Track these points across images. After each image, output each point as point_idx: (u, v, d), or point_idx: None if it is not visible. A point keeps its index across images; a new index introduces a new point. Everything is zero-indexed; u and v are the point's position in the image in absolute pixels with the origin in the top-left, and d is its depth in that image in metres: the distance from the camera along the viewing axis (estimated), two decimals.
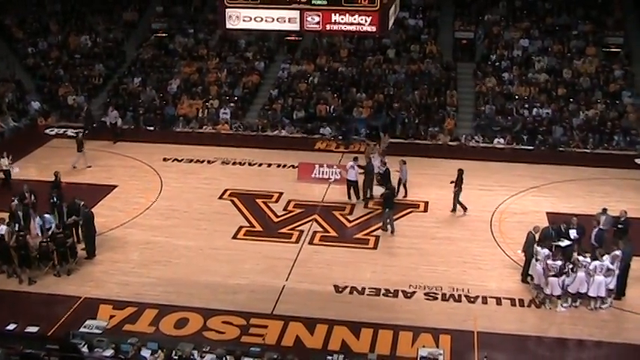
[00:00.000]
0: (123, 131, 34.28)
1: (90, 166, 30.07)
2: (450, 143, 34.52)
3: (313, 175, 29.09)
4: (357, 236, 24.32)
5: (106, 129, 34.22)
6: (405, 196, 26.89)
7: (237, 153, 32.45)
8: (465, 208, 25.73)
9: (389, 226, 24.27)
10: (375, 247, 23.57)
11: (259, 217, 25.67)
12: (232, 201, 27.22)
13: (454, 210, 25.74)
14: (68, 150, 32.06)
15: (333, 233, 24.60)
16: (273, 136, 35.80)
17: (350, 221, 25.51)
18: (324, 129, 36.09)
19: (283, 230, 24.66)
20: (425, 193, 27.65)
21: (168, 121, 37.44)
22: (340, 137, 35.28)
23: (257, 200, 27.16)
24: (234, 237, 24.18)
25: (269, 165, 31.26)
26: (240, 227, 24.84)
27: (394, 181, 26.43)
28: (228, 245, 23.56)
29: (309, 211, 26.21)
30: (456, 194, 25.62)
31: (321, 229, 24.84)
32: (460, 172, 25.63)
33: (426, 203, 27.01)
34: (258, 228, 24.89)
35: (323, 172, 29.07)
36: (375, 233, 24.37)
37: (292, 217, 25.84)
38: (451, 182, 25.75)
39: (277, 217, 25.90)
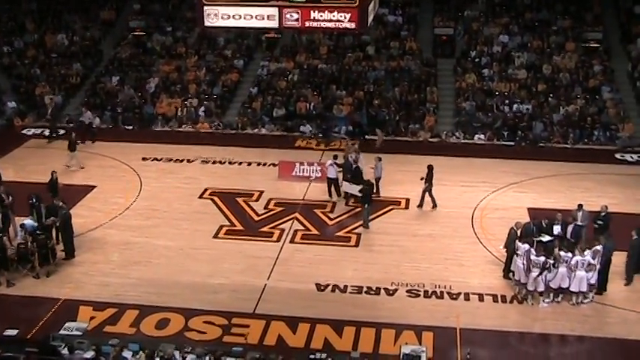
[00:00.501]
0: (97, 132, 34.12)
1: (83, 167, 30.04)
2: (431, 140, 34.55)
3: (294, 174, 29.03)
4: (339, 234, 24.33)
5: (83, 129, 34.30)
6: (377, 193, 26.69)
7: (217, 152, 32.38)
8: (435, 205, 25.82)
9: (369, 223, 24.44)
10: (356, 245, 23.53)
11: (240, 216, 25.57)
12: (212, 200, 27.16)
13: (420, 205, 25.80)
14: (45, 150, 32.02)
15: (314, 231, 24.53)
16: (253, 135, 35.74)
17: (331, 219, 25.51)
18: (304, 127, 36.05)
19: (264, 229, 24.61)
20: (406, 190, 27.55)
21: (147, 120, 37.33)
22: (320, 135, 35.33)
23: (237, 199, 27.06)
24: (215, 236, 24.10)
25: (249, 163, 31.22)
26: (221, 226, 24.76)
27: (365, 180, 26.38)
28: (208, 245, 23.48)
29: (290, 209, 26.16)
30: (426, 190, 25.75)
31: (302, 228, 24.79)
32: (430, 168, 25.67)
33: (407, 200, 26.96)
34: (239, 227, 24.80)
35: (303, 170, 29.01)
36: (356, 231, 24.34)
37: (273, 215, 25.76)
38: (421, 179, 25.81)
39: (258, 215, 25.80)
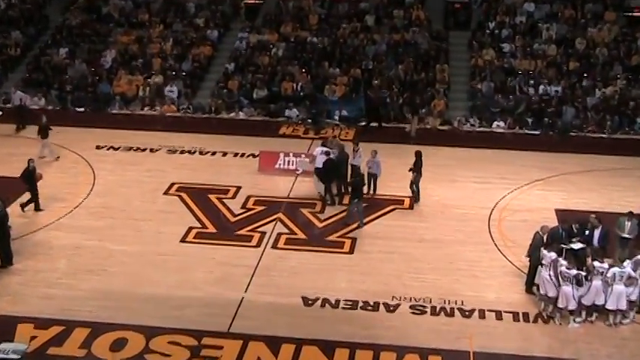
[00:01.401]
0: (30, 114, 33.80)
1: (58, 157, 30.36)
2: (440, 128, 34.87)
3: (277, 166, 29.35)
4: (330, 238, 24.47)
5: (16, 112, 34.23)
6: (372, 193, 27.15)
7: (186, 139, 32.63)
8: (417, 199, 26.43)
9: (359, 220, 24.90)
10: (351, 252, 23.71)
11: (213, 217, 25.79)
12: (180, 197, 27.33)
13: (417, 200, 26.35)
14: None
15: (301, 235, 24.72)
16: (229, 120, 36.17)
17: (321, 220, 25.68)
18: (290, 111, 36.35)
19: (241, 232, 24.80)
20: (414, 188, 27.35)
21: (103, 100, 37.50)
22: (309, 121, 35.59)
23: (210, 196, 27.31)
24: (183, 240, 24.25)
25: (224, 154, 31.52)
26: (190, 228, 24.90)
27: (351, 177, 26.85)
28: (175, 250, 23.60)
29: (272, 208, 26.38)
30: (415, 181, 26.26)
31: (286, 231, 24.95)
32: (418, 154, 26.19)
33: (411, 199, 27.06)
34: (212, 229, 24.97)
35: (289, 162, 29.34)
36: (351, 235, 24.54)
37: (252, 216, 25.94)
38: (410, 170, 26.33)
39: (234, 216, 25.98)
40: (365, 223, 25.11)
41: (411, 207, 26.67)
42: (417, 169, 26.24)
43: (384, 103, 35.68)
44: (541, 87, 36.44)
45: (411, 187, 26.48)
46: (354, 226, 25.01)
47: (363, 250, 23.89)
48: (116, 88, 37.74)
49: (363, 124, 34.55)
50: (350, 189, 25.65)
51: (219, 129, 34.37)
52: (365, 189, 26.58)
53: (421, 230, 25.09)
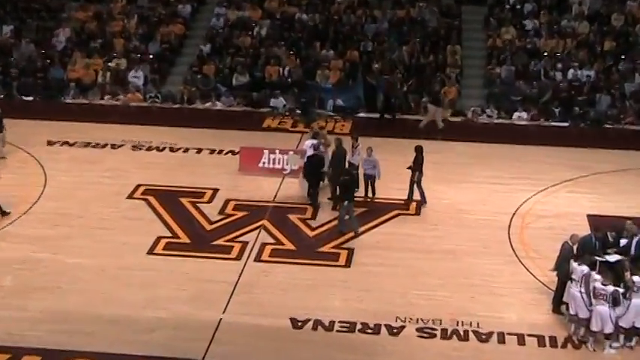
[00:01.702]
0: None
1: (4, 157, 30.37)
2: (452, 119, 35.00)
3: (261, 165, 29.60)
4: (323, 249, 24.57)
5: None
6: (371, 197, 27.53)
7: (154, 134, 32.78)
8: (411, 199, 26.81)
9: (353, 228, 25.20)
10: (347, 265, 23.82)
11: (185, 224, 25.92)
12: (147, 201, 27.43)
13: (423, 202, 26.81)
14: None
15: (289, 246, 24.82)
16: (204, 111, 36.43)
17: (313, 228, 25.84)
18: (276, 100, 36.50)
19: (219, 242, 24.90)
20: (416, 189, 27.61)
21: (55, 88, 37.56)
22: (298, 112, 35.84)
23: (182, 200, 27.48)
24: (151, 252, 24.23)
25: (199, 151, 31.82)
26: (159, 238, 24.93)
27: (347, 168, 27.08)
28: (141, 263, 23.55)
29: (255, 214, 26.57)
30: (416, 181, 26.63)
31: (272, 240, 25.04)
32: (419, 150, 26.52)
33: (419, 203, 27.25)
34: (184, 239, 25.05)
35: (275, 160, 29.59)
36: (347, 245, 24.69)
37: (232, 223, 26.07)
38: (408, 168, 26.67)
39: (211, 223, 26.07)
40: (360, 232, 25.37)
41: (417, 212, 26.86)
42: (417, 166, 26.52)
43: (395, 90, 35.99)
44: (570, 71, 36.63)
45: (412, 185, 26.98)
46: (351, 235, 25.22)
47: (361, 262, 23.89)
48: (71, 74, 37.78)
49: (379, 117, 35.17)
50: (339, 190, 25.99)
51: (192, 121, 34.59)
52: (363, 192, 27.10)
53: (429, 239, 25.15)
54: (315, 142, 27.49)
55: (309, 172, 27.04)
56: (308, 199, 27.02)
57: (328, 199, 27.30)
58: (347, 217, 25.27)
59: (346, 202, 25.21)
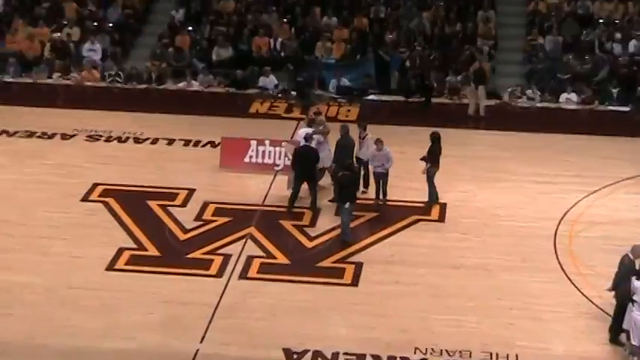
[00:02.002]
0: None
1: None
2: (485, 102, 34.65)
3: (247, 159, 29.53)
4: (324, 264, 24.21)
5: None
6: (384, 199, 27.49)
7: (115, 121, 32.59)
8: (434, 201, 27.01)
9: (345, 233, 25.42)
10: (354, 283, 23.46)
11: (154, 233, 25.54)
12: (106, 204, 27.08)
13: (435, 200, 27.02)
14: None
15: (281, 259, 24.43)
16: (177, 92, 36.59)
17: (311, 238, 25.55)
18: (266, 79, 36.48)
19: (196, 255, 24.48)
20: (441, 189, 27.56)
21: None
22: (294, 93, 35.66)
23: (150, 203, 27.20)
24: (111, 267, 23.80)
25: (170, 142, 31.71)
26: (121, 250, 24.50)
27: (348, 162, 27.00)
28: (99, 282, 23.07)
29: (240, 221, 26.30)
30: (428, 176, 26.89)
31: (261, 253, 24.66)
32: (435, 138, 26.68)
33: (443, 207, 27.08)
34: (153, 251, 24.64)
35: (264, 153, 29.47)
36: (353, 259, 24.45)
37: (211, 231, 25.75)
38: (422, 159, 26.90)
39: (185, 231, 25.69)
40: (369, 243, 25.29)
41: (441, 218, 26.62)
42: (431, 157, 26.49)
43: (427, 65, 35.93)
44: (632, 43, 36.56)
45: (428, 181, 26.98)
46: (359, 246, 25.13)
47: (371, 280, 23.53)
48: (10, 46, 37.74)
49: (404, 98, 35.44)
50: (338, 188, 26.06)
51: (162, 106, 34.54)
52: (374, 193, 27.20)
53: (457, 251, 24.78)
54: (309, 130, 27.47)
55: (296, 168, 26.98)
56: (289, 203, 27.06)
57: (329, 201, 27.20)
58: (346, 218, 25.41)
59: (347, 205, 25.07)
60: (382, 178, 27.33)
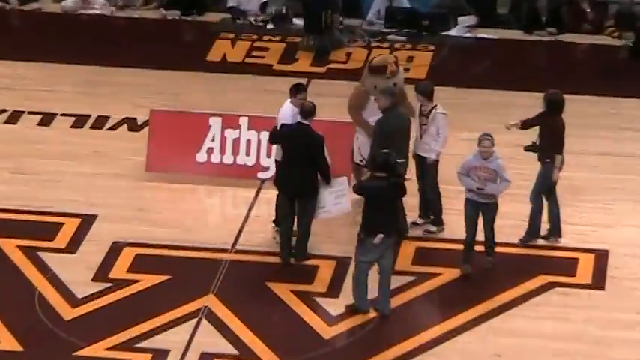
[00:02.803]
0: None
1: None
2: None
3: (202, 157, 21.63)
4: None
5: None
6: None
7: None
8: (555, 233, 20.28)
9: (382, 305, 18.32)
10: None
11: (13, 307, 18.68)
12: None
13: (556, 233, 20.08)
14: None
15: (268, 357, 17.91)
16: (53, 17, 29.49)
17: (331, 318, 18.05)
18: (249, 4, 28.96)
19: (96, 350, 17.53)
20: (584, 215, 20.79)
21: None
22: (299, 23, 27.42)
23: (4, 244, 19.83)
24: None
25: (43, 119, 24.17)
26: None
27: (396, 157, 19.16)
28: None
29: (186, 283, 18.79)
30: (544, 179, 19.76)
31: (228, 350, 17.55)
32: (554, 102, 19.59)
33: (600, 257, 19.77)
34: (10, 343, 17.80)
35: (236, 144, 21.64)
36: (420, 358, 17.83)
37: (128, 304, 18.59)
38: (529, 148, 19.73)
39: (75, 304, 18.59)
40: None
41: (597, 282, 19.30)
42: (548, 141, 19.27)
43: None
44: None
45: (551, 197, 19.58)
46: (419, 330, 18.18)
47: None
48: None
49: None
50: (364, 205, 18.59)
51: (30, 49, 26.48)
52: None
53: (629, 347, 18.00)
54: (295, 109, 19.41)
55: (279, 169, 19.42)
56: (280, 245, 19.28)
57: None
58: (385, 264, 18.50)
59: (380, 237, 17.46)
60: (486, 211, 18.68)
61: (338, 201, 19.67)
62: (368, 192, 17.81)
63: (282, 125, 19.10)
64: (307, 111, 18.49)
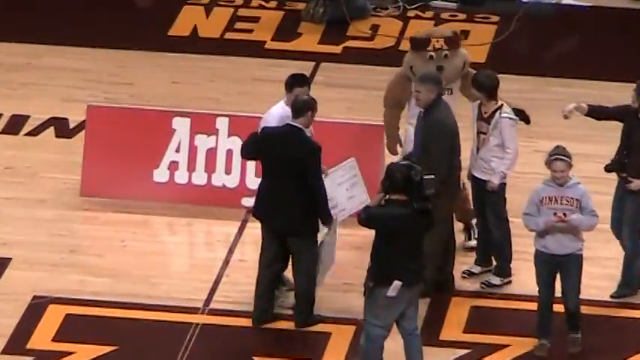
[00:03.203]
0: None
1: None
2: None
3: (160, 175, 18.34)
4: None
5: None
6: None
7: None
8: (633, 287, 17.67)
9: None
10: None
11: None
12: None
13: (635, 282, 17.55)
14: None
15: None
16: None
17: None
18: None
19: None
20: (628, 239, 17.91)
21: None
22: None
23: None
24: None
25: None
26: None
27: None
28: None
29: (141, 356, 15.43)
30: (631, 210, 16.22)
31: None
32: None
33: None
34: None
35: (211, 155, 18.43)
36: None
37: None
38: (610, 168, 16.53)
39: None
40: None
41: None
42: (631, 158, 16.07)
43: None
44: None
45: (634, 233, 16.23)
46: None
47: None
48: None
49: None
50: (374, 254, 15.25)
51: None
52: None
53: None
54: (288, 110, 16.01)
55: (258, 196, 15.36)
56: (254, 308, 15.69)
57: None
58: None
59: (396, 284, 14.00)
60: (566, 267, 14.72)
61: (351, 192, 16.25)
62: (381, 222, 13.76)
63: (264, 129, 15.31)
64: (299, 106, 14.62)
